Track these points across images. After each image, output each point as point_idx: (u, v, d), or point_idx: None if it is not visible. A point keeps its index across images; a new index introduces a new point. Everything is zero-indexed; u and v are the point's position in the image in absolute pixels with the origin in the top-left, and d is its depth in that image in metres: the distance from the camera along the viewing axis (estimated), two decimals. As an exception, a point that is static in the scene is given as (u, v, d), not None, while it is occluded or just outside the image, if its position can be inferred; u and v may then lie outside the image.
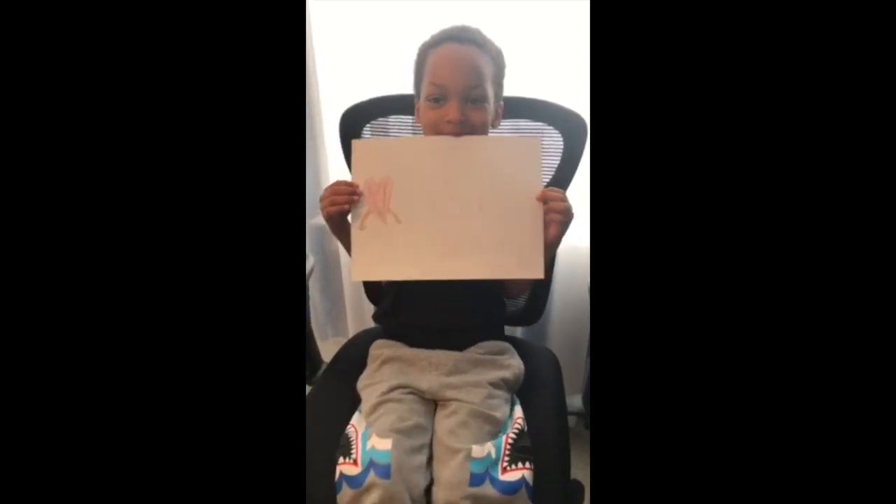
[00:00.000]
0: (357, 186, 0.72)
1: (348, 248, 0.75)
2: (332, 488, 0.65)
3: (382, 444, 0.65)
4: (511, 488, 0.64)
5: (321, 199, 0.73)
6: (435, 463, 0.67)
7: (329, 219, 0.74)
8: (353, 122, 0.91)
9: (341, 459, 0.66)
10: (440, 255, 0.71)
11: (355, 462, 0.64)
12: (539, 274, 0.71)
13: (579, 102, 0.86)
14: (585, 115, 0.84)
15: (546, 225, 0.71)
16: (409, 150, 0.74)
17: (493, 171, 0.71)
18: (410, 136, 0.92)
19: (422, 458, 0.67)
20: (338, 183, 0.73)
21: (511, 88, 0.83)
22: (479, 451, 0.65)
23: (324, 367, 1.00)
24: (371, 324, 1.02)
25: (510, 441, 0.69)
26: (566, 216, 0.71)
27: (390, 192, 0.72)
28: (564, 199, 0.71)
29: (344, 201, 0.71)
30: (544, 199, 0.70)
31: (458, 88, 0.73)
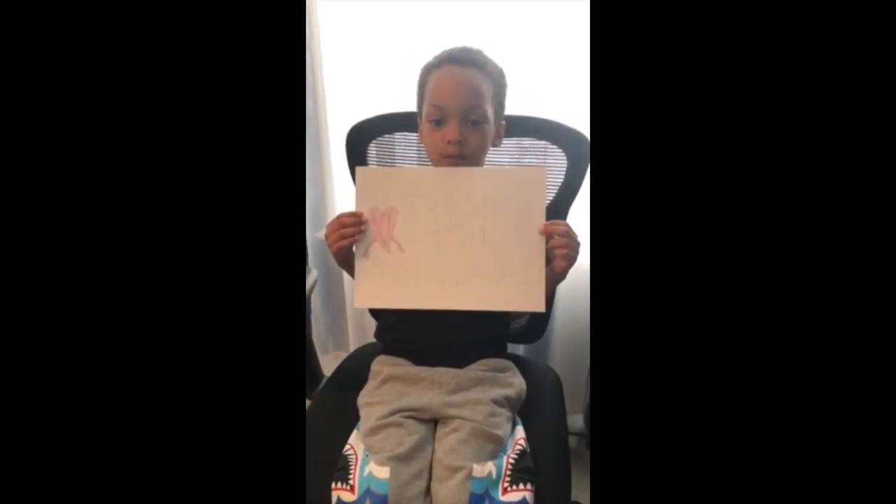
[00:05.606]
0: (362, 216, 0.72)
1: (353, 275, 0.75)
2: (327, 502, 0.64)
3: (380, 472, 0.64)
4: (511, 509, 0.63)
5: (327, 236, 0.73)
6: (433, 483, 0.66)
7: (337, 253, 0.74)
8: (359, 139, 0.92)
9: (338, 484, 0.65)
10: (442, 285, 0.72)
11: (352, 489, 0.64)
12: (540, 307, 0.71)
13: (584, 121, 0.86)
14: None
15: (553, 258, 0.72)
16: (414, 180, 0.74)
17: (497, 202, 0.71)
18: (416, 165, 0.94)
19: (421, 483, 0.66)
20: (343, 216, 0.73)
21: (515, 106, 0.83)
22: (479, 470, 0.65)
23: (324, 380, 1.00)
24: (373, 338, 1.02)
25: (511, 461, 0.68)
26: (572, 249, 0.71)
27: (394, 222, 0.72)
28: (569, 232, 0.71)
29: (352, 233, 0.72)
30: (548, 234, 0.70)
31: (457, 109, 0.74)
